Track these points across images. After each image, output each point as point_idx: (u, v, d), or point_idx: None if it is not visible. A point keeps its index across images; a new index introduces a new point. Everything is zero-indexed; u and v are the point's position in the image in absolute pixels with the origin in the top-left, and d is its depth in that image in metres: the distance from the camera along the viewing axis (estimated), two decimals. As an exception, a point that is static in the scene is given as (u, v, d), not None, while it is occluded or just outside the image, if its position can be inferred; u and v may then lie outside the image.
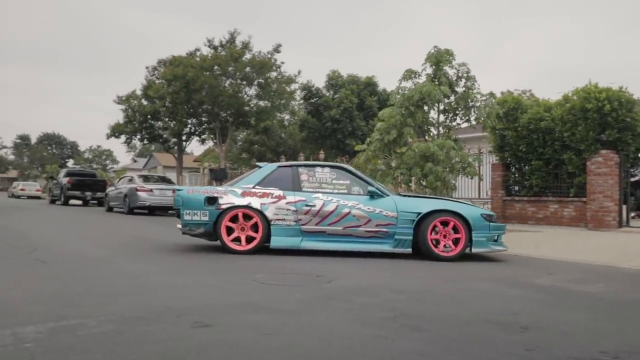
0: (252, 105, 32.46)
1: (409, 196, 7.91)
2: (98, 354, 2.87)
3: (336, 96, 32.82)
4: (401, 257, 7.47)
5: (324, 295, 4.56)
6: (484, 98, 12.04)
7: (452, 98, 12.07)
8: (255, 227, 7.33)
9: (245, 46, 31.58)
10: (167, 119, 34.43)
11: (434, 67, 12.10)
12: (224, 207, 7.35)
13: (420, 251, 7.24)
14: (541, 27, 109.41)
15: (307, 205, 7.37)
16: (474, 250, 7.25)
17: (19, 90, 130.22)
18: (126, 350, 2.93)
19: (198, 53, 32.08)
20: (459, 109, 12.13)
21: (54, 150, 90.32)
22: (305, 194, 7.48)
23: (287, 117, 37.94)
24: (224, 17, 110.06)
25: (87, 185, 24.93)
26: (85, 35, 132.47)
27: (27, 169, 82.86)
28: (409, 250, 7.28)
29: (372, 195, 7.40)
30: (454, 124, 12.48)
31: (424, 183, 11.42)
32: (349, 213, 7.31)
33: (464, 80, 12.17)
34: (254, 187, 7.56)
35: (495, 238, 7.45)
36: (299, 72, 33.76)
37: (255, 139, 36.49)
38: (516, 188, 14.14)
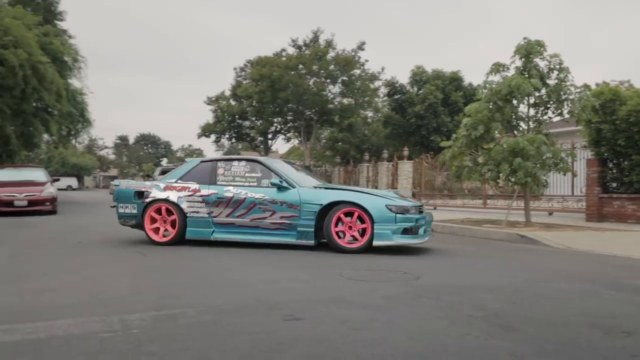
0: (336, 103, 32.71)
1: (325, 188, 7.71)
2: (197, 342, 3.04)
3: (420, 92, 32.33)
4: (490, 256, 7.29)
5: (411, 292, 4.55)
6: (578, 90, 11.43)
7: (544, 91, 11.55)
8: (173, 220, 7.84)
9: (329, 44, 31.87)
10: (254, 118, 35.43)
11: (523, 59, 11.64)
12: (147, 200, 7.96)
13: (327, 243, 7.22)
14: (637, 14, 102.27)
15: (218, 198, 7.68)
16: (375, 242, 6.97)
17: (119, 96, 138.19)
18: (223, 340, 3.08)
19: (284, 53, 32.72)
20: (551, 102, 11.59)
21: (150, 150, 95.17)
22: (218, 187, 7.79)
23: (370, 114, 37.84)
24: (308, 17, 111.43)
25: (180, 183, 26.16)
26: (177, 43, 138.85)
27: (125, 168, 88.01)
28: (312, 242, 7.27)
29: (279, 188, 7.45)
30: (545, 118, 11.93)
31: (513, 179, 11.04)
32: (255, 205, 7.49)
33: (556, 72, 11.60)
34: (175, 182, 8.05)
35: (414, 230, 7.08)
36: (383, 69, 33.61)
37: (339, 137, 36.68)
38: (614, 185, 13.33)
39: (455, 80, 33.11)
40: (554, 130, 14.96)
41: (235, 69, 36.00)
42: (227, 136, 38.78)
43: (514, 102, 11.45)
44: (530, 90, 10.93)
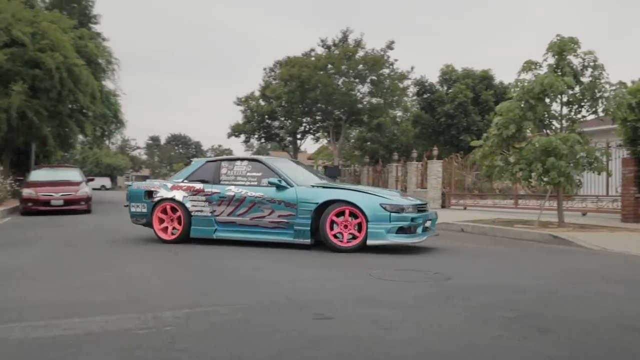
0: (365, 102, 32.59)
1: (323, 186, 7.63)
2: (230, 340, 3.08)
3: (450, 91, 31.97)
4: (522, 256, 7.19)
5: (442, 292, 4.52)
6: (613, 88, 11.15)
7: (577, 89, 11.32)
8: (179, 218, 8.05)
9: (358, 44, 31.77)
10: (283, 119, 35.58)
11: (556, 56, 11.41)
12: (155, 199, 8.22)
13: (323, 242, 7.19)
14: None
15: (220, 197, 7.84)
16: (369, 242, 6.90)
17: (152, 97, 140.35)
18: (254, 338, 3.12)
19: (313, 53, 32.76)
20: (585, 100, 11.36)
21: (180, 150, 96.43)
22: (221, 186, 7.93)
23: (399, 113, 37.61)
24: (337, 17, 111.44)
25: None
26: (207, 43, 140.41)
27: (157, 168, 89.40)
28: (308, 241, 7.25)
29: (277, 187, 7.47)
30: (579, 116, 11.70)
31: (546, 179, 10.85)
32: (255, 204, 7.59)
33: (590, 69, 11.35)
34: (182, 181, 8.28)
35: (412, 229, 6.99)
36: (412, 68, 33.30)
37: (368, 136, 36.53)
38: (651, 184, 12.99)
39: (485, 79, 32.66)
40: (588, 128, 14.65)
41: (264, 69, 36.22)
42: (256, 136, 39.04)
43: (547, 100, 11.24)
44: (563, 88, 10.72)
